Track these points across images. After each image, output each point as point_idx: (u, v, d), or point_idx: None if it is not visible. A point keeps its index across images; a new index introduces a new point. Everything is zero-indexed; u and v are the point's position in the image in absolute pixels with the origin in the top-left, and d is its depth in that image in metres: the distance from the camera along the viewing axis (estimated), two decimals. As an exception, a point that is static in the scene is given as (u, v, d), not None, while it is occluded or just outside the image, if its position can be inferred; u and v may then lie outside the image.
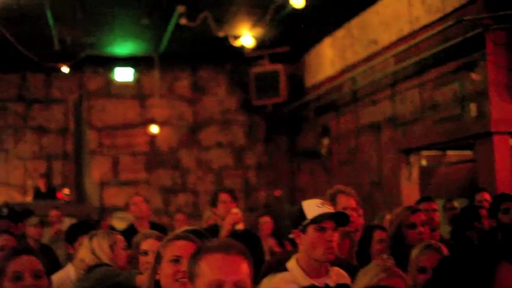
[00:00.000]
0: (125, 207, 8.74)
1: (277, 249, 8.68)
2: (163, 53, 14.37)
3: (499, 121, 8.54)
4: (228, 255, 2.69)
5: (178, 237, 3.82)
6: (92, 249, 4.84)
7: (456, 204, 8.27)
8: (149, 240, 4.77)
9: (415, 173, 10.68)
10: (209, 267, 2.68)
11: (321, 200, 4.06)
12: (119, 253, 4.90)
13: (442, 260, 2.13)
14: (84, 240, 4.97)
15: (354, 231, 5.17)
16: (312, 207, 3.96)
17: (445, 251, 4.27)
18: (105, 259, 4.79)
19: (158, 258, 3.78)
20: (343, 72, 12.81)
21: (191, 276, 2.77)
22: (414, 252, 4.28)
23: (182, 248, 3.71)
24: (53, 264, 6.17)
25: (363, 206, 7.58)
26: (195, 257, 2.76)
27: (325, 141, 13.73)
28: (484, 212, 6.73)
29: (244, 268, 2.71)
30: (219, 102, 15.89)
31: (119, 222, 12.95)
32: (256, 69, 14.79)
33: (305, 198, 4.24)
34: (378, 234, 5.37)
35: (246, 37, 12.69)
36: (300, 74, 15.04)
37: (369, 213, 8.06)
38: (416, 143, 10.41)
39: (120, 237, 5.02)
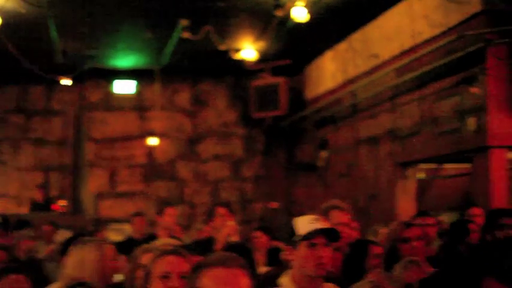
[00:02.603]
0: (157, 215, 8.81)
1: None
2: (164, 65, 14.35)
3: (497, 135, 8.48)
4: (230, 269, 2.70)
5: (167, 253, 3.75)
6: (78, 259, 4.75)
7: (443, 218, 8.26)
8: (149, 255, 4.70)
9: (412, 186, 10.66)
10: (211, 282, 2.68)
11: (314, 216, 4.07)
12: (106, 264, 4.81)
13: (430, 274, 2.05)
14: (72, 249, 4.88)
15: (345, 246, 5.15)
16: (304, 224, 3.95)
17: (426, 266, 4.26)
18: (89, 270, 4.70)
19: (148, 275, 3.72)
20: (343, 85, 12.79)
21: None
22: (397, 269, 4.25)
23: (171, 263, 3.66)
24: (40, 280, 6.11)
25: (359, 219, 7.58)
26: (196, 271, 2.75)
27: (323, 154, 13.68)
28: (473, 227, 6.72)
29: (246, 282, 2.71)
30: (218, 115, 15.88)
31: (115, 234, 12.92)
32: (257, 82, 14.76)
33: (302, 210, 4.25)
34: (374, 249, 5.33)
35: (248, 50, 12.68)
36: (300, 87, 15.02)
37: (365, 226, 8.03)
38: (415, 156, 10.37)
39: (109, 247, 4.94)
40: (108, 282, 4.81)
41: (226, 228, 6.62)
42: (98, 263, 4.75)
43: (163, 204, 9.12)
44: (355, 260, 5.23)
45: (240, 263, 2.74)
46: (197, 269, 2.76)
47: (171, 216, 8.51)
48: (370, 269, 5.13)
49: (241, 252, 4.91)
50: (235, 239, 6.80)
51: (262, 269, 6.63)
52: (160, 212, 8.68)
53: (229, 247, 5.95)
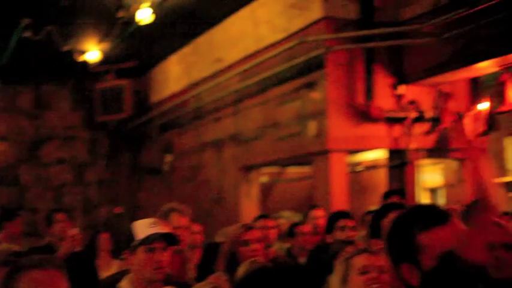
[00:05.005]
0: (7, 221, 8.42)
1: None
2: (5, 66, 13.90)
3: (336, 139, 8.76)
4: (46, 270, 2.76)
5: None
6: None
7: (283, 221, 8.45)
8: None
9: (255, 189, 10.83)
10: (28, 285, 2.73)
11: (154, 220, 4.08)
12: None
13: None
14: None
15: (185, 249, 5.15)
16: (143, 228, 3.96)
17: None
18: None
19: None
20: (188, 89, 12.82)
21: None
22: (240, 271, 4.28)
23: None
24: None
25: (204, 222, 7.60)
26: (13, 275, 2.78)
27: (168, 158, 13.69)
28: (307, 229, 6.96)
29: (62, 281, 2.79)
30: (61, 118, 15.51)
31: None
32: (101, 85, 14.53)
33: (146, 215, 4.24)
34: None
35: (92, 52, 12.47)
36: (145, 90, 14.94)
37: (210, 230, 8.06)
38: (258, 160, 10.55)
39: None
40: None
41: (70, 239, 6.49)
42: None
43: (9, 212, 8.74)
44: (207, 262, 5.26)
45: (57, 264, 2.83)
46: (14, 271, 2.80)
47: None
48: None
49: (83, 259, 4.87)
50: (77, 246, 6.70)
51: (110, 271, 6.58)
52: (11, 218, 8.36)
53: (72, 256, 5.89)
